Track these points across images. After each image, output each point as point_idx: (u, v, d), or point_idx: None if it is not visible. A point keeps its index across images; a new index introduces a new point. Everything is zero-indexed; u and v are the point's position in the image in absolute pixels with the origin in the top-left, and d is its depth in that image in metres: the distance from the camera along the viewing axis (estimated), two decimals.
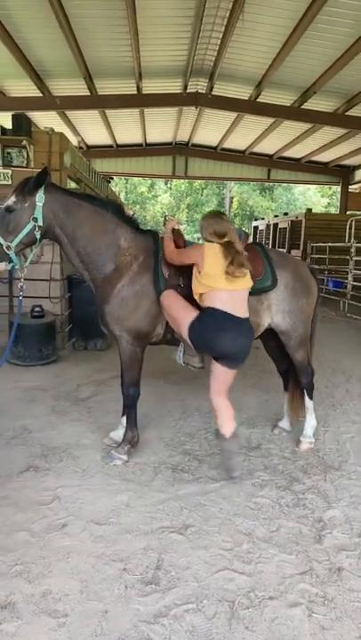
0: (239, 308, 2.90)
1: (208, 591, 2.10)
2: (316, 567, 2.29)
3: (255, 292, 3.18)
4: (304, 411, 3.66)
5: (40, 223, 3.00)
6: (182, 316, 2.93)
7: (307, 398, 3.59)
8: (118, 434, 3.43)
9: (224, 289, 2.84)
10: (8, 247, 2.96)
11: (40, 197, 2.98)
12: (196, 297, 2.97)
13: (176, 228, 3.27)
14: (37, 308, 5.57)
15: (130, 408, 3.30)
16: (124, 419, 3.40)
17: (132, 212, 13.97)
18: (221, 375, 2.97)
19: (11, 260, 3.01)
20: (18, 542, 2.36)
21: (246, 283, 2.93)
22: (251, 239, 19.03)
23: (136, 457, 3.28)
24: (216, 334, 2.83)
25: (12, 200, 2.98)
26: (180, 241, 3.20)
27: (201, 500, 2.81)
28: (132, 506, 2.72)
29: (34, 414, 3.99)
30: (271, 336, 3.55)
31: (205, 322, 2.86)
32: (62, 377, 5.04)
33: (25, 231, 2.98)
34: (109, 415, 3.98)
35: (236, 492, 2.91)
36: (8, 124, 5.85)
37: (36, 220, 2.98)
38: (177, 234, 3.23)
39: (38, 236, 3.04)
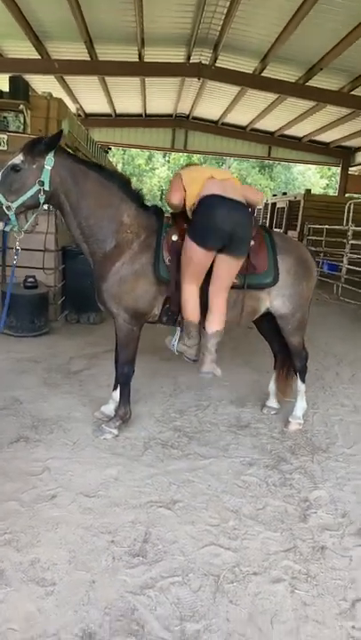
0: (231, 192, 2.93)
1: (194, 565, 2.14)
2: (300, 545, 2.34)
3: (254, 287, 3.16)
4: (290, 391, 3.72)
5: (46, 187, 2.88)
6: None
7: (299, 381, 3.61)
8: (109, 408, 3.45)
9: (212, 179, 2.97)
10: (8, 207, 2.84)
11: (50, 161, 2.86)
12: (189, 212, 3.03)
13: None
14: (31, 279, 5.51)
15: (124, 385, 3.30)
16: (116, 393, 3.41)
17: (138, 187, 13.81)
18: (225, 269, 2.96)
19: (8, 221, 2.91)
20: (7, 512, 2.38)
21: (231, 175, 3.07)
22: None
23: (126, 432, 3.30)
24: (212, 212, 2.85)
25: (19, 159, 2.83)
26: (181, 223, 3.14)
27: (189, 476, 2.84)
28: (121, 480, 2.75)
29: (25, 385, 3.98)
30: (266, 318, 3.53)
31: (200, 210, 2.90)
32: (54, 349, 5.02)
33: (29, 193, 2.86)
34: (101, 389, 3.99)
35: (225, 469, 2.95)
36: (5, 87, 5.66)
37: (42, 183, 2.86)
38: (180, 217, 3.16)
39: (42, 200, 2.92)
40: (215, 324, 3.03)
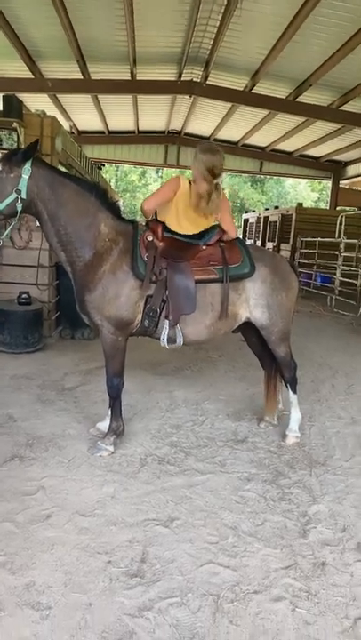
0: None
1: (193, 585, 2.10)
2: (301, 562, 2.30)
3: (233, 278, 3.19)
4: (275, 409, 3.77)
5: (24, 196, 2.93)
6: None
7: (290, 393, 3.60)
8: (105, 424, 3.41)
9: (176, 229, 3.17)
10: None
11: (27, 170, 2.92)
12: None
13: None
14: (24, 295, 5.49)
15: (114, 399, 3.27)
16: None
17: (118, 199, 13.84)
18: None
19: None
20: (1, 533, 2.33)
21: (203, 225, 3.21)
22: (241, 231, 19.04)
23: (122, 448, 3.27)
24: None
25: None
26: (158, 229, 3.21)
27: (187, 492, 2.80)
28: (117, 497, 2.70)
29: (19, 403, 3.94)
30: (253, 331, 3.54)
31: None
32: (49, 365, 4.99)
33: (6, 202, 2.91)
34: (96, 405, 3.96)
35: (223, 485, 2.91)
36: None
37: (19, 192, 2.91)
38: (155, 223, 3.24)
39: (19, 209, 2.96)
40: None
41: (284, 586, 2.14)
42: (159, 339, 3.19)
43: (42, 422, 3.61)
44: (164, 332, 3.14)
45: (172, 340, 3.17)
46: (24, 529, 2.38)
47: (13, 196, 2.91)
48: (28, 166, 2.92)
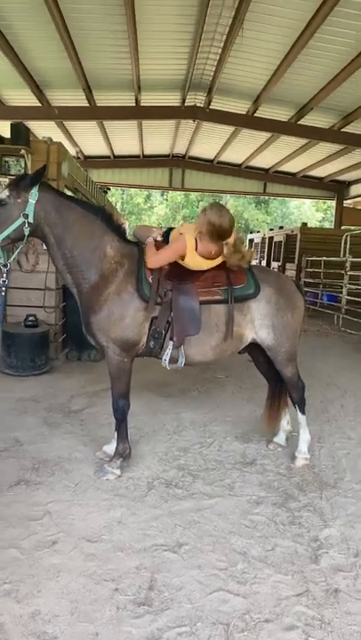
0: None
1: (202, 613, 2.04)
2: (313, 588, 2.24)
3: (238, 299, 3.18)
4: (276, 427, 3.75)
5: (31, 220, 2.98)
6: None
7: (299, 413, 3.56)
8: (111, 447, 3.37)
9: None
10: None
11: (34, 195, 2.97)
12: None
13: (159, 239, 3.24)
14: (31, 318, 5.52)
15: (120, 421, 3.25)
16: None
17: (123, 222, 14.01)
18: None
19: None
20: (6, 560, 2.29)
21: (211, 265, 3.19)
22: None
23: (129, 471, 3.23)
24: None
25: (4, 194, 2.96)
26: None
27: (195, 516, 2.75)
28: (124, 522, 2.66)
29: (26, 426, 3.92)
30: (260, 352, 3.53)
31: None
32: (55, 388, 4.98)
33: (13, 226, 2.96)
34: (102, 428, 3.93)
35: (231, 508, 2.86)
36: (6, 133, 5.84)
37: (26, 216, 2.96)
38: (159, 245, 3.21)
39: (27, 233, 3.01)
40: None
41: (297, 614, 2.07)
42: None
43: (48, 446, 3.58)
44: (167, 352, 3.14)
45: (173, 360, 3.17)
46: (29, 555, 2.34)
47: (21, 220, 2.96)
48: (35, 191, 2.98)
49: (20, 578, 2.18)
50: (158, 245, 3.20)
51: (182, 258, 3.08)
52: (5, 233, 2.95)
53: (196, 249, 3.04)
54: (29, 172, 5.64)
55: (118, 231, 3.26)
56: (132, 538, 2.52)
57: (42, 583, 2.16)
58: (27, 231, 3.00)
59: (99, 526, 2.61)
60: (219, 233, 2.97)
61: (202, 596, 2.14)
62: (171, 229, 3.35)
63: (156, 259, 3.09)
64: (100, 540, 2.49)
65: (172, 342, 3.12)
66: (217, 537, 2.58)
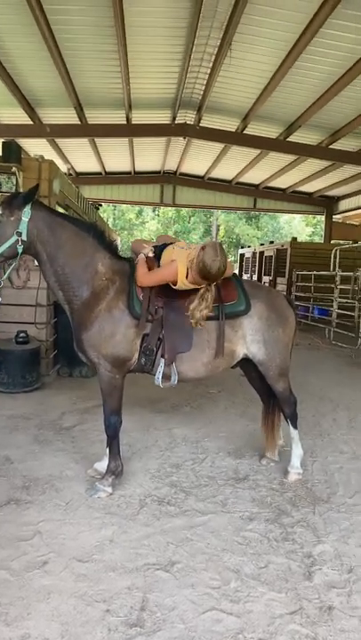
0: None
1: (195, 633, 2.01)
2: (307, 606, 2.21)
3: (229, 315, 3.19)
4: (275, 448, 3.72)
5: (24, 237, 3.00)
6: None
7: (291, 428, 3.56)
8: (103, 465, 3.34)
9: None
10: None
11: (27, 213, 3.00)
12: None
13: (150, 255, 3.25)
14: (22, 334, 5.50)
15: (112, 438, 3.23)
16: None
17: (115, 238, 14.08)
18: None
19: None
20: None
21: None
22: (237, 266, 19.27)
23: (121, 489, 3.19)
24: None
25: None
26: (153, 266, 3.21)
27: (188, 534, 2.73)
28: (116, 541, 2.62)
29: (16, 444, 3.88)
30: (252, 366, 3.53)
31: None
32: (46, 405, 4.94)
33: (7, 244, 2.98)
34: (94, 445, 3.89)
35: (224, 525, 2.84)
36: None
37: (20, 234, 2.99)
38: (150, 261, 3.22)
39: (20, 250, 3.03)
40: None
41: (290, 632, 2.05)
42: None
43: (39, 464, 3.54)
44: (159, 370, 3.14)
45: (166, 378, 3.16)
46: (19, 577, 2.30)
47: (14, 238, 2.98)
48: (27, 209, 3.01)
49: (10, 600, 2.14)
50: (150, 262, 3.21)
51: (173, 283, 3.07)
52: None
53: (187, 277, 3.01)
54: (21, 190, 5.69)
55: (110, 248, 3.28)
56: (124, 557, 2.49)
57: (32, 605, 2.12)
58: (20, 249, 3.02)
59: (90, 546, 2.57)
60: (204, 274, 2.91)
61: (195, 616, 2.11)
62: (164, 246, 3.34)
63: (147, 279, 3.10)
64: (91, 560, 2.45)
65: (163, 359, 3.12)
66: (210, 555, 2.55)
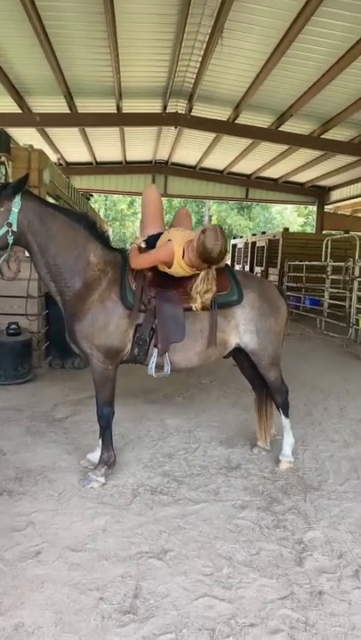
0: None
1: (188, 619, 2.04)
2: (297, 591, 2.25)
3: (222, 305, 3.20)
4: (269, 436, 3.74)
5: (14, 228, 2.98)
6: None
7: (283, 417, 3.59)
8: (96, 455, 3.36)
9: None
10: None
11: (17, 203, 2.97)
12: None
13: (142, 246, 3.26)
14: (13, 326, 5.47)
15: (104, 428, 3.24)
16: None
17: (107, 228, 13.95)
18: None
19: None
20: None
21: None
22: (229, 257, 19.26)
23: (114, 479, 3.21)
24: None
25: None
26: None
27: (180, 522, 2.75)
28: (109, 530, 2.64)
29: (8, 435, 3.88)
30: (245, 357, 3.55)
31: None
32: (38, 396, 4.93)
33: None
34: (87, 436, 3.90)
35: (216, 513, 2.87)
36: None
37: (10, 224, 2.96)
38: (142, 250, 3.22)
39: (10, 241, 3.00)
40: None
41: (282, 617, 2.08)
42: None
43: (31, 455, 3.54)
44: (152, 360, 3.14)
45: (159, 368, 3.17)
46: (13, 567, 2.31)
47: (4, 229, 2.96)
48: (18, 199, 2.98)
49: (4, 590, 2.15)
50: (142, 251, 3.20)
51: (168, 265, 3.06)
52: None
53: (183, 257, 3.02)
54: (10, 180, 5.62)
55: (102, 238, 3.27)
56: (117, 546, 2.51)
57: (25, 595, 2.14)
58: (10, 240, 3.00)
59: (83, 535, 2.59)
60: (205, 257, 2.91)
61: (187, 603, 2.14)
62: (159, 235, 3.31)
63: (141, 260, 3.09)
64: (84, 550, 2.47)
65: (156, 349, 3.13)
66: (202, 542, 2.58)
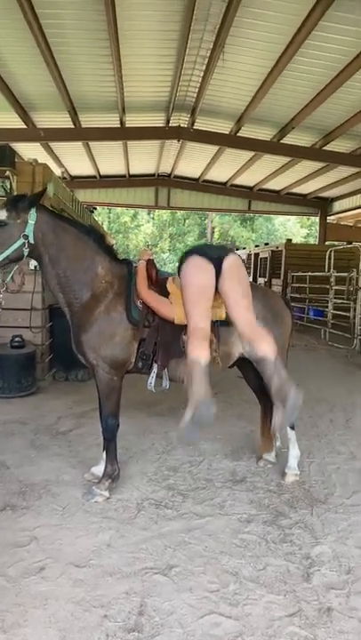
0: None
1: (193, 638, 2.00)
2: (305, 608, 2.20)
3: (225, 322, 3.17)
4: (271, 447, 3.71)
5: (31, 240, 3.02)
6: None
7: (288, 429, 3.55)
8: (100, 469, 3.32)
9: None
10: None
11: (33, 216, 3.02)
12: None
13: (150, 258, 3.28)
14: (17, 339, 5.48)
15: (109, 441, 3.22)
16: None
17: (113, 242, 14.03)
18: (235, 272, 2.99)
19: None
20: None
21: None
22: None
23: (118, 493, 3.18)
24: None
25: (3, 214, 2.99)
26: (152, 272, 3.22)
27: (185, 537, 2.71)
28: (113, 546, 2.61)
29: (12, 449, 3.86)
30: (250, 367, 3.53)
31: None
32: (42, 409, 4.92)
33: (14, 247, 3.00)
34: (91, 449, 3.87)
35: (222, 528, 2.83)
36: None
37: (26, 237, 3.00)
38: (150, 264, 3.23)
39: (26, 253, 3.05)
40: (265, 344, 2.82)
41: (289, 635, 2.04)
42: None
43: (35, 468, 3.52)
44: (152, 375, 3.14)
45: (158, 382, 3.17)
46: (16, 583, 2.28)
47: (21, 241, 3.00)
48: (33, 212, 3.03)
49: (6, 607, 2.12)
50: (149, 267, 3.21)
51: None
52: (6, 253, 2.99)
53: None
54: (14, 194, 5.67)
55: (109, 251, 3.32)
56: (122, 561, 2.48)
57: (29, 612, 2.10)
58: (26, 252, 3.05)
59: (87, 550, 2.55)
60: None
61: (193, 620, 2.10)
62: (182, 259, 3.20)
63: (147, 297, 3.09)
64: (88, 565, 2.43)
65: (156, 365, 3.13)
66: (208, 558, 2.54)
